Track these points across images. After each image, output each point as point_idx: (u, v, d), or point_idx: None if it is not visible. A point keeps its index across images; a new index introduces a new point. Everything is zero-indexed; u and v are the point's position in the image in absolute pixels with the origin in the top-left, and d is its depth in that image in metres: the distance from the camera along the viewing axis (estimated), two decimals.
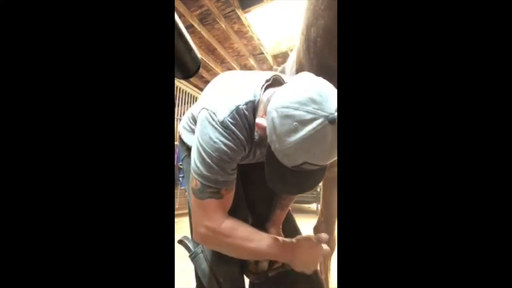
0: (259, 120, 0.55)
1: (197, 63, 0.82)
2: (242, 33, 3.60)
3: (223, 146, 0.56)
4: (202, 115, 0.59)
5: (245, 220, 0.79)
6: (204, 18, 3.25)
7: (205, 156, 0.57)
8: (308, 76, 0.52)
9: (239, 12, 3.09)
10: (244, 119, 0.58)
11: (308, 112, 0.45)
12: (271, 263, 0.72)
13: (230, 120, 0.57)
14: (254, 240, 0.60)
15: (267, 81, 0.62)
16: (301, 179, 0.53)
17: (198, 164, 0.59)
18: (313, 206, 4.56)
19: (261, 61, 4.31)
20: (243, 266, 0.72)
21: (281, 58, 4.11)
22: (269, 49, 3.93)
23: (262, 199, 0.84)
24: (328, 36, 0.58)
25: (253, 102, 0.59)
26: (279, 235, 0.77)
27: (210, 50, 3.95)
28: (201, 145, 0.58)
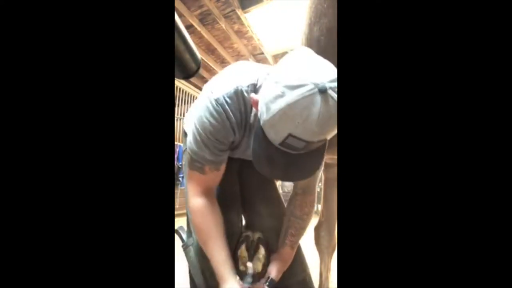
0: (254, 95, 0.53)
1: (197, 63, 0.82)
2: (242, 33, 3.60)
3: (209, 127, 0.59)
4: (202, 92, 0.62)
5: (237, 219, 0.79)
6: (204, 18, 3.25)
7: (196, 133, 0.61)
8: (306, 50, 0.51)
9: (239, 12, 3.09)
10: (241, 101, 0.59)
11: (297, 78, 0.43)
12: (264, 264, 0.72)
13: (226, 98, 0.57)
14: (209, 242, 0.64)
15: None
16: (289, 163, 0.49)
17: (191, 139, 0.63)
18: None
19: (261, 61, 4.30)
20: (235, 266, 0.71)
21: (281, 58, 4.11)
22: (269, 49, 3.93)
23: (261, 198, 0.84)
24: (332, 35, 0.58)
25: (254, 85, 0.59)
26: (279, 273, 0.71)
27: (210, 50, 3.95)
28: (195, 122, 0.62)
